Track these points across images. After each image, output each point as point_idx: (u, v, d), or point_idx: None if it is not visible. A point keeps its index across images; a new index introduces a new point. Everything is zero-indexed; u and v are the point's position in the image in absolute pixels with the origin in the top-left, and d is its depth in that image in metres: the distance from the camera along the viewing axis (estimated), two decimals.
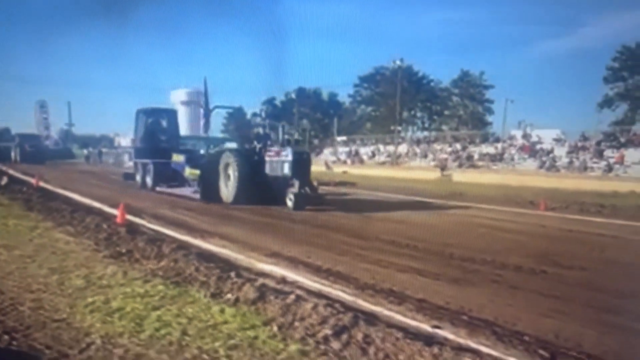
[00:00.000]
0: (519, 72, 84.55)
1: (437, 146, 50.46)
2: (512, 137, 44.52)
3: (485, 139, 48.41)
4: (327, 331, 4.45)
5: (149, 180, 20.32)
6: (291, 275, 6.90)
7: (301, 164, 14.70)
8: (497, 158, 42.49)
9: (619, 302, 6.16)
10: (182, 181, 18.59)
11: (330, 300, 5.45)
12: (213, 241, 9.30)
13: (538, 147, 41.33)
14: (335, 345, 4.26)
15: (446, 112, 66.36)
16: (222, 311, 5.28)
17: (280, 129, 16.09)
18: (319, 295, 5.82)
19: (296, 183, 14.40)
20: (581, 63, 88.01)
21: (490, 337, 4.76)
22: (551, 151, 40.02)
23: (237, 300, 5.61)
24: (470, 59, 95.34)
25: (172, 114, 24.38)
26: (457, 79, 64.12)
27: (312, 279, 6.76)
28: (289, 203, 14.37)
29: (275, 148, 15.63)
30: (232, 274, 6.41)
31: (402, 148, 52.87)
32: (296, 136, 17.48)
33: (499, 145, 44.70)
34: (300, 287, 6.12)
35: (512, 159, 41.41)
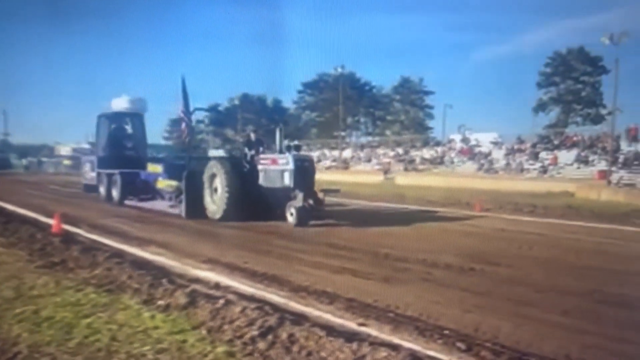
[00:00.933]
0: (458, 77, 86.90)
1: (380, 150, 51.32)
2: (451, 141, 45.71)
3: (426, 143, 49.57)
4: (254, 332, 4.53)
5: (115, 193, 18.30)
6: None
7: (304, 173, 12.73)
8: (437, 161, 43.57)
9: (536, 296, 6.48)
10: (154, 194, 16.82)
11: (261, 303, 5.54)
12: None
13: (477, 150, 42.63)
14: (262, 345, 4.35)
15: (389, 118, 67.65)
16: (152, 317, 5.29)
17: (277, 133, 13.90)
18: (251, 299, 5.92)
19: (299, 195, 12.40)
20: (518, 69, 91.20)
21: (412, 332, 4.96)
22: (489, 154, 41.35)
23: (168, 306, 5.63)
24: (411, 65, 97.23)
25: (138, 119, 21.98)
26: (398, 86, 65.58)
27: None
28: (290, 218, 12.47)
29: (271, 155, 13.73)
30: (164, 281, 6.40)
31: (347, 153, 53.50)
32: (296, 142, 15.21)
33: (439, 149, 45.89)
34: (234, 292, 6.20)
35: (452, 162, 42.55)
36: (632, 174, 30.60)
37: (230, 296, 5.78)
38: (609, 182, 29.32)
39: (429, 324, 5.25)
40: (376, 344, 4.16)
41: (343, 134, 56.87)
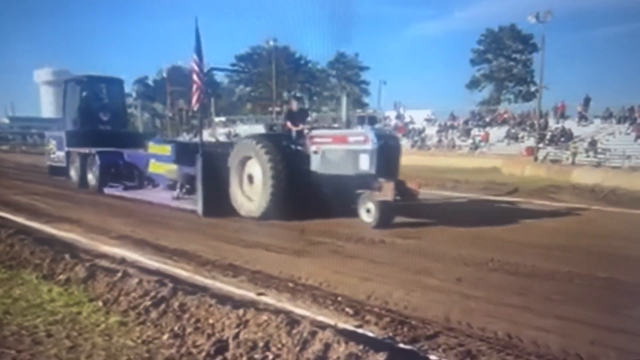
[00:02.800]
0: (393, 53, 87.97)
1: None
2: (386, 118, 46.55)
3: (362, 120, 50.18)
4: (148, 303, 4.73)
5: (91, 178, 15.41)
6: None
7: (390, 155, 9.78)
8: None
9: (436, 265, 6.93)
10: (141, 180, 14.47)
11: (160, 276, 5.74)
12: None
13: (411, 127, 43.65)
14: (154, 314, 4.57)
15: (325, 93, 68.06)
16: (50, 291, 5.41)
17: (343, 100, 11.68)
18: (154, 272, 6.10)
19: (386, 185, 9.28)
20: (452, 45, 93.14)
21: (307, 299, 5.32)
22: (422, 131, 42.43)
23: (68, 280, 5.73)
24: (346, 40, 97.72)
25: (116, 86, 18.86)
26: (334, 61, 65.96)
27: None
28: (365, 216, 9.58)
29: (336, 131, 11.30)
30: (67, 256, 6.47)
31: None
32: (371, 111, 11.89)
33: (376, 125, 46.59)
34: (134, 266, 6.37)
35: None
36: (558, 150, 32.26)
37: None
38: (536, 159, 30.79)
39: (326, 292, 5.60)
40: (262, 310, 4.43)
41: (278, 109, 56.80)
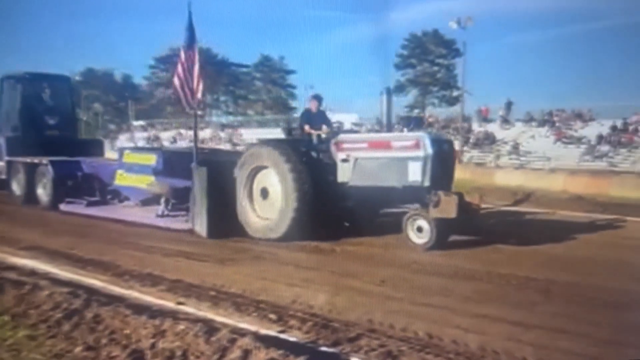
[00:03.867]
0: (320, 57, 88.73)
1: (243, 131, 51.35)
2: None
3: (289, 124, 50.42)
4: (59, 315, 4.61)
5: (42, 193, 13.33)
6: None
7: (446, 164, 8.66)
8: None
9: (362, 269, 7.13)
10: (103, 194, 12.58)
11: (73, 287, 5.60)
12: None
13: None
14: (66, 327, 4.45)
15: (251, 97, 67.75)
16: None
17: (384, 98, 9.80)
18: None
19: (448, 200, 7.86)
20: (379, 49, 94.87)
21: (229, 307, 5.34)
22: None
23: None
24: (271, 43, 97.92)
25: (62, 84, 16.80)
26: (258, 63, 65.79)
27: None
28: (415, 236, 8.17)
29: (370, 135, 10.55)
30: None
31: (207, 133, 52.92)
32: (418, 112, 9.34)
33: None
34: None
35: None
36: (482, 153, 33.55)
37: None
38: (460, 161, 31.86)
39: (249, 299, 5.63)
40: (180, 319, 4.42)
41: (201, 113, 56.11)
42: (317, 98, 10.27)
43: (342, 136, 9.41)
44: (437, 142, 8.45)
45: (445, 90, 56.86)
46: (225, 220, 9.11)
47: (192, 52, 9.87)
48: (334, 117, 46.82)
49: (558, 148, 31.43)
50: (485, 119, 38.51)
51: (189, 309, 5.25)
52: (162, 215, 10.44)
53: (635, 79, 65.20)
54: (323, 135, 9.52)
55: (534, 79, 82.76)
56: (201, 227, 9.20)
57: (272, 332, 4.55)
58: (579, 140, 31.66)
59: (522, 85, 75.99)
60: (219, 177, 9.29)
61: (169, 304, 5.43)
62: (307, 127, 9.70)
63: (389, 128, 9.98)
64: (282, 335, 4.50)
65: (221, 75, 64.00)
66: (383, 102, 9.74)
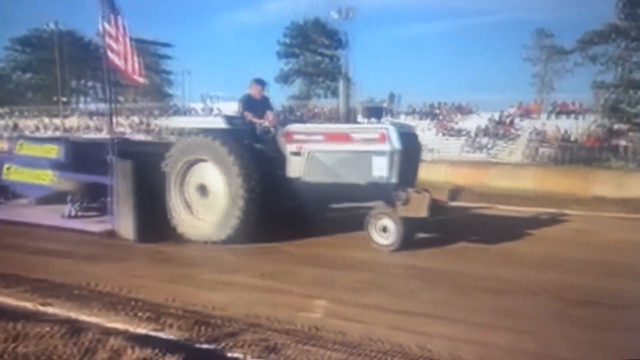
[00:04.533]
0: (199, 43, 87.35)
1: (114, 119, 49.45)
2: (192, 110, 46.24)
3: (165, 112, 49.27)
4: None
5: None
6: None
7: (413, 158, 8.33)
8: (178, 132, 43.66)
9: (246, 261, 7.19)
10: None
11: None
12: None
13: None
14: None
15: (123, 83, 65.32)
16: None
17: (341, 85, 9.35)
18: None
19: (419, 197, 7.51)
20: (262, 37, 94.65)
21: (98, 306, 5.12)
22: None
23: None
24: (143, 26, 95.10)
25: None
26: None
27: None
28: (379, 237, 7.74)
29: (326, 126, 9.63)
30: None
31: (73, 121, 50.56)
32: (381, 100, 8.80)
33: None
34: None
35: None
36: None
37: None
38: None
39: (123, 298, 5.45)
40: (44, 320, 4.20)
41: (65, 99, 53.29)
42: (260, 82, 9.48)
43: (292, 126, 8.72)
44: (404, 135, 7.97)
45: (330, 81, 57.80)
46: (156, 222, 8.22)
47: (117, 23, 9.03)
48: (214, 105, 46.77)
49: (441, 140, 33.03)
50: None
51: (55, 309, 5.00)
52: (71, 216, 9.46)
53: (511, 73, 69.84)
54: (266, 124, 8.73)
55: (416, 72, 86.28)
56: (126, 229, 8.29)
57: (145, 331, 4.43)
58: (459, 133, 33.46)
59: (406, 78, 79.05)
60: (148, 172, 8.37)
61: (32, 305, 5.13)
62: (249, 115, 8.80)
63: (348, 119, 9.20)
64: (157, 334, 4.39)
65: (88, 59, 61.12)
66: (341, 89, 9.24)
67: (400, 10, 74.99)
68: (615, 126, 30.75)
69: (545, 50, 44.88)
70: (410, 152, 7.95)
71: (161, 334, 4.40)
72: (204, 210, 8.41)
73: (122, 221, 8.37)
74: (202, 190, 8.43)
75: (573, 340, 4.43)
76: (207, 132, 8.53)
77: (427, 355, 4.06)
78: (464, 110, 35.43)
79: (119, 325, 4.51)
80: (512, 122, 32.63)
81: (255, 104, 9.00)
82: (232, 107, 36.11)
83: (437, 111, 36.09)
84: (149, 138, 38.22)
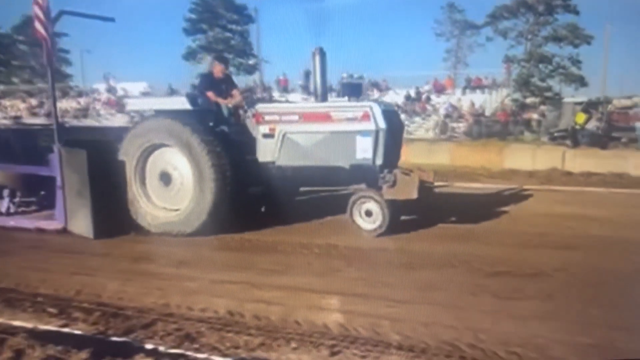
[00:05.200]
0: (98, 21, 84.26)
1: (7, 102, 47.37)
2: (95, 91, 44.80)
3: (65, 93, 47.44)
4: None
5: None
6: None
7: (396, 137, 8.09)
8: (82, 114, 42.26)
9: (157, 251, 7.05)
10: None
11: None
12: None
13: (125, 100, 42.54)
14: None
15: (15, 63, 62.15)
16: None
17: (315, 60, 8.25)
18: None
19: (408, 180, 7.35)
20: (163, 13, 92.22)
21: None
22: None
23: None
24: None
25: None
26: (21, 25, 60.44)
27: None
28: (363, 221, 7.52)
29: (302, 105, 9.35)
30: None
31: None
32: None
33: (83, 99, 44.68)
34: None
35: (99, 115, 41.71)
36: None
37: None
38: None
39: (26, 294, 5.26)
40: None
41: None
42: (222, 60, 9.16)
43: (263, 106, 8.19)
44: (388, 113, 7.71)
45: (241, 58, 57.23)
46: (115, 216, 7.69)
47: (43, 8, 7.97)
48: (118, 85, 45.45)
49: None
50: (285, 88, 39.61)
51: None
52: (9, 213, 8.83)
53: (426, 49, 70.96)
54: (230, 105, 8.35)
55: (330, 48, 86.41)
56: (81, 226, 7.70)
57: (51, 327, 4.32)
58: None
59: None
60: (103, 162, 7.70)
61: None
62: (213, 95, 8.28)
63: (324, 97, 8.48)
64: (64, 330, 4.29)
65: None
66: (316, 65, 8.28)
67: None
68: (528, 100, 32.02)
69: (457, 25, 45.89)
70: (394, 131, 7.72)
71: (68, 330, 4.31)
72: (169, 200, 8.02)
73: (75, 217, 7.81)
74: (165, 178, 8.00)
75: (483, 311, 4.66)
76: (168, 113, 8.02)
77: (347, 334, 4.16)
78: (380, 87, 35.87)
79: (23, 323, 4.39)
80: (428, 98, 33.37)
81: (218, 83, 8.57)
82: (137, 87, 35.29)
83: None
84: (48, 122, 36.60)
